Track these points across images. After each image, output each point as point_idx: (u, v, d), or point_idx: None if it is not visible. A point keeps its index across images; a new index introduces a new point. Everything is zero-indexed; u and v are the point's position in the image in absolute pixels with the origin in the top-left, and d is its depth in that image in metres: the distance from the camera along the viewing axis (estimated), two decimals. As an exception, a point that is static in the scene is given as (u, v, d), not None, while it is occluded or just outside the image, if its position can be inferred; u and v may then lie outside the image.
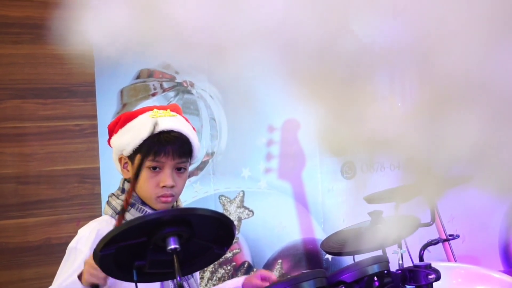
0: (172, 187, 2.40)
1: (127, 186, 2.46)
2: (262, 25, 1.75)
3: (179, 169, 2.44)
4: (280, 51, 1.82)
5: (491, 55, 1.71)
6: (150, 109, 2.49)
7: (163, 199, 2.41)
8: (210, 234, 2.05)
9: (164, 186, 2.39)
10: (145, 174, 2.39)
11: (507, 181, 1.82)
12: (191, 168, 2.82)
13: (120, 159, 2.47)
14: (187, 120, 2.53)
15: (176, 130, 2.43)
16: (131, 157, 2.43)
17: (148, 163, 2.39)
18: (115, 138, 2.48)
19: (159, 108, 2.49)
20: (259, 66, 1.85)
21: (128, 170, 2.45)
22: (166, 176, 2.40)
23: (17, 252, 3.73)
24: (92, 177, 3.85)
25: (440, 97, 1.79)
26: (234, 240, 4.24)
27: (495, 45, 1.72)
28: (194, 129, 2.53)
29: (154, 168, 2.40)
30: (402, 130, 1.84)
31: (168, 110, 2.49)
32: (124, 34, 1.74)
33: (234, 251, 4.31)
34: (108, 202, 2.47)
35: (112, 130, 2.51)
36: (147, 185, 2.40)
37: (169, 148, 2.40)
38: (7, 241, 3.70)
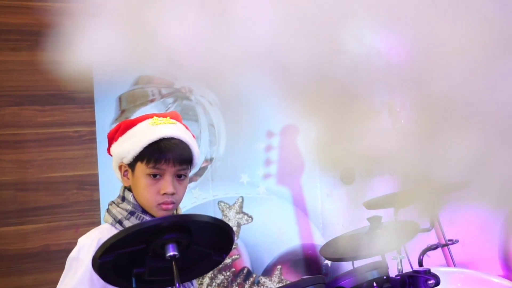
0: (172, 194, 2.40)
1: (127, 194, 2.45)
2: (253, 48, 1.75)
3: (179, 176, 2.44)
4: (272, 74, 1.83)
5: (487, 74, 1.72)
6: (150, 116, 2.49)
7: (164, 206, 2.40)
8: (209, 241, 2.04)
9: (164, 194, 2.39)
10: (145, 181, 2.40)
11: (502, 195, 1.83)
12: (190, 174, 2.82)
13: (120, 167, 2.47)
14: (186, 127, 2.53)
15: (176, 138, 2.43)
16: (131, 164, 2.43)
17: (148, 170, 2.39)
18: (115, 146, 2.48)
19: (158, 115, 2.50)
20: (253, 89, 1.86)
21: (128, 178, 2.45)
22: (167, 183, 2.39)
23: (16, 259, 3.72)
24: (91, 183, 3.85)
25: (436, 115, 1.79)
26: (233, 246, 4.25)
27: (492, 65, 1.72)
28: (194, 136, 2.53)
29: (155, 175, 2.40)
30: (398, 148, 1.84)
31: (168, 117, 2.49)
32: (120, 49, 1.75)
33: (233, 257, 4.31)
34: (108, 210, 2.47)
35: (112, 138, 2.51)
36: (147, 192, 2.40)
37: (169, 155, 2.39)
38: (6, 248, 3.70)
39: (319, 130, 1.95)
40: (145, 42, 1.75)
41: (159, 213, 2.41)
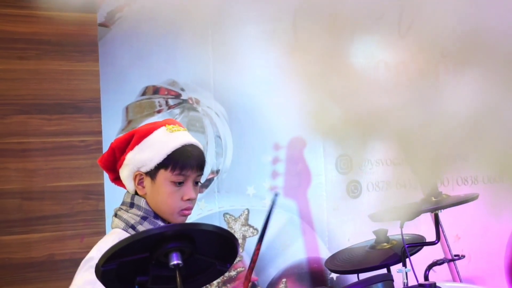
0: (192, 199, 2.45)
1: (138, 200, 2.45)
2: None
3: (196, 183, 2.48)
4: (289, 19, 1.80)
5: (484, 9, 1.69)
6: (161, 124, 2.51)
7: (186, 212, 2.45)
8: (213, 250, 2.04)
9: (188, 199, 2.43)
10: (169, 188, 2.43)
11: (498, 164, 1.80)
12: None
13: (135, 176, 2.47)
14: None
15: (195, 144, 2.48)
16: (152, 173, 2.44)
17: (173, 177, 2.43)
18: (132, 155, 2.47)
19: (169, 122, 2.52)
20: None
21: (143, 187, 2.46)
22: (189, 189, 2.44)
23: (21, 268, 3.71)
24: (97, 193, 3.84)
25: (434, 62, 1.77)
26: (238, 258, 4.24)
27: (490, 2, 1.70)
28: None
29: (179, 182, 2.42)
30: (393, 102, 1.82)
31: (177, 125, 2.52)
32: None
33: (238, 269, 4.30)
34: (118, 216, 2.47)
35: (120, 148, 2.51)
36: (171, 199, 2.43)
37: (193, 161, 2.44)
38: (10, 256, 3.69)
39: (309, 87, 1.93)
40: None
41: (179, 219, 2.45)
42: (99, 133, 3.88)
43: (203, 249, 2.00)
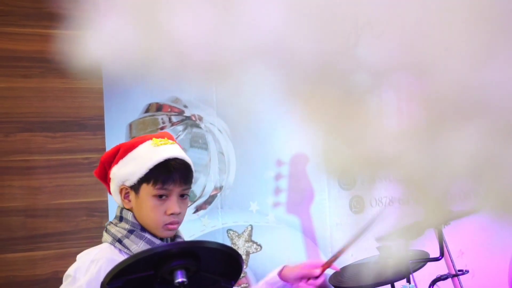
0: (178, 214, 2.41)
1: (125, 213, 2.45)
2: (259, 43, 1.75)
3: (182, 196, 2.45)
4: (278, 69, 1.82)
5: (487, 67, 1.71)
6: (148, 138, 2.49)
7: (170, 226, 2.40)
8: (218, 267, 2.03)
9: (171, 214, 2.39)
10: (151, 202, 2.40)
11: (507, 202, 1.81)
12: (199, 202, 2.83)
13: (121, 190, 2.47)
14: (180, 146, 2.55)
15: (179, 158, 2.44)
16: (135, 187, 2.43)
17: (155, 191, 2.40)
18: (116, 169, 2.47)
19: (157, 136, 2.50)
20: (257, 84, 1.85)
21: (129, 201, 2.45)
22: (173, 204, 2.40)
23: (25, 285, 3.72)
24: (100, 210, 3.85)
25: (438, 114, 1.78)
26: (242, 275, 4.23)
27: (491, 57, 1.71)
28: None
29: (161, 196, 2.40)
30: (401, 148, 1.83)
31: (166, 138, 2.50)
32: (129, 50, 1.75)
33: (242, 285, 4.29)
34: (106, 230, 2.47)
35: (108, 161, 2.51)
36: (154, 213, 2.40)
37: (176, 175, 2.41)
38: (15, 274, 3.70)
39: (323, 131, 1.94)
40: (153, 41, 1.76)
41: (164, 233, 2.42)
42: (103, 150, 3.89)
43: (208, 266, 1.99)
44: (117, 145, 2.53)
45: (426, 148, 1.81)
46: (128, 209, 2.45)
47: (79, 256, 2.44)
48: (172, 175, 2.40)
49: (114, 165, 2.48)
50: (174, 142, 2.51)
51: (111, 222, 2.48)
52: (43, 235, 3.76)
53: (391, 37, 1.77)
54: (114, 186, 2.48)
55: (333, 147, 1.93)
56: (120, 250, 2.39)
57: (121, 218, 2.46)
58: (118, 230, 2.43)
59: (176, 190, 2.41)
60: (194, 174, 2.50)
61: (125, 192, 2.45)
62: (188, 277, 1.93)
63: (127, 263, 1.91)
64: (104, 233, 2.48)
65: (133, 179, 2.42)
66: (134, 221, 2.43)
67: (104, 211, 3.85)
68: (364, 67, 1.80)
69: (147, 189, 2.41)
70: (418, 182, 1.91)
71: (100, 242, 2.47)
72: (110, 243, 2.42)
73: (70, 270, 2.39)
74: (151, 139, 2.48)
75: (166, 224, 2.40)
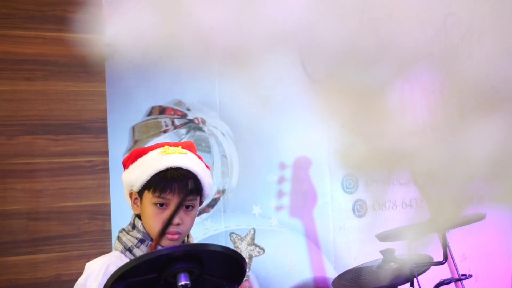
0: (178, 224, 2.39)
1: (137, 222, 2.46)
2: (279, 29, 1.75)
3: (187, 207, 2.43)
4: (298, 55, 1.81)
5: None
6: (162, 145, 2.50)
7: (169, 236, 2.40)
8: (221, 271, 2.03)
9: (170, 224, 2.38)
10: (151, 210, 2.40)
11: None
12: (202, 205, 2.81)
13: (130, 195, 2.47)
14: (200, 157, 2.52)
15: (184, 168, 2.42)
16: (140, 193, 2.43)
17: (154, 199, 2.40)
18: (125, 174, 2.49)
19: (171, 144, 2.49)
20: (278, 70, 1.85)
21: (137, 206, 2.46)
22: (171, 213, 2.38)
23: (27, 288, 3.72)
24: (103, 213, 3.84)
25: (460, 108, 1.77)
26: (245, 278, 4.22)
27: None
28: (207, 167, 2.52)
29: (161, 204, 2.40)
30: (420, 143, 1.82)
31: (180, 147, 2.49)
32: (150, 36, 1.75)
33: (244, 289, 4.29)
34: (118, 238, 2.47)
35: (124, 165, 2.53)
36: (153, 221, 2.41)
37: (174, 185, 2.40)
38: (17, 277, 3.69)
39: (341, 127, 1.93)
40: (176, 25, 1.76)
41: (165, 243, 2.41)
42: (106, 153, 3.89)
43: (211, 269, 1.99)
44: (133, 150, 2.55)
45: (445, 144, 1.80)
46: (139, 218, 2.46)
47: (88, 264, 2.44)
48: (170, 185, 2.40)
49: (125, 169, 2.49)
50: (186, 151, 2.49)
51: (124, 229, 2.49)
52: (45, 238, 3.75)
53: (416, 29, 1.76)
54: (125, 190, 2.49)
55: (351, 143, 1.92)
56: (130, 259, 2.38)
57: (134, 226, 2.46)
58: (129, 239, 2.43)
59: (175, 200, 2.40)
60: (207, 185, 2.49)
61: (134, 197, 2.46)
62: (191, 280, 1.93)
63: (131, 265, 1.91)
64: (116, 241, 2.48)
65: (137, 185, 2.43)
66: (144, 230, 2.43)
67: (107, 214, 3.84)
68: (387, 58, 1.79)
69: (148, 196, 2.42)
70: (436, 179, 1.90)
71: (102, 245, 2.48)
72: (120, 251, 2.43)
73: (82, 279, 2.40)
74: (163, 146, 2.48)
75: (166, 234, 2.40)
